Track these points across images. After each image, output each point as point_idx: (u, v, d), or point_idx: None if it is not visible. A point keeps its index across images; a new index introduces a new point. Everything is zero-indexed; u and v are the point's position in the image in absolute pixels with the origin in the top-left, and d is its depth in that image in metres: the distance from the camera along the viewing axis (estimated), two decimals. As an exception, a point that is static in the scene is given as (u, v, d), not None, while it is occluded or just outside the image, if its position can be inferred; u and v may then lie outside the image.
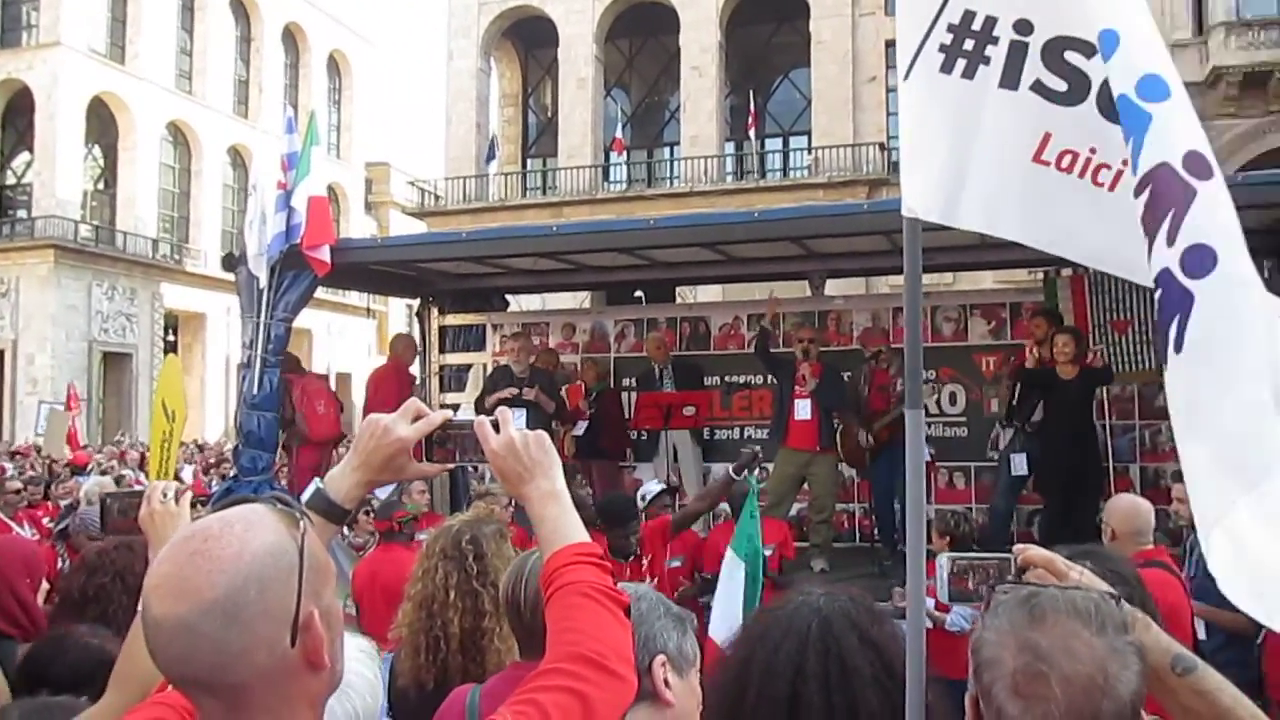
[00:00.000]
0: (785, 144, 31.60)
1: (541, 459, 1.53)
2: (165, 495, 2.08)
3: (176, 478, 8.54)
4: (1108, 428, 7.90)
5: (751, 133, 29.42)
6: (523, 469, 1.52)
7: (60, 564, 5.86)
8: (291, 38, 44.19)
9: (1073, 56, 1.71)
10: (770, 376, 8.67)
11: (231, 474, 8.99)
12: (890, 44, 27.45)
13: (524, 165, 33.96)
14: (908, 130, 1.94)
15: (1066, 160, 1.73)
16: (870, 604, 1.76)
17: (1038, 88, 1.75)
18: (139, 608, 2.20)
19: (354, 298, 34.18)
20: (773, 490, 8.12)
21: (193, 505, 6.15)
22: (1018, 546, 1.57)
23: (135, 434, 30.67)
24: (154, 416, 8.41)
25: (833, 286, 10.52)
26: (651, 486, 6.58)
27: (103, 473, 12.66)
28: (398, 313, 44.08)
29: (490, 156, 30.86)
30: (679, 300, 13.69)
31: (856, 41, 28.73)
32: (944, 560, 1.65)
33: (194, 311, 37.77)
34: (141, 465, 15.46)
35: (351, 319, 38.98)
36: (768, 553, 6.14)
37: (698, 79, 29.77)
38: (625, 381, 9.85)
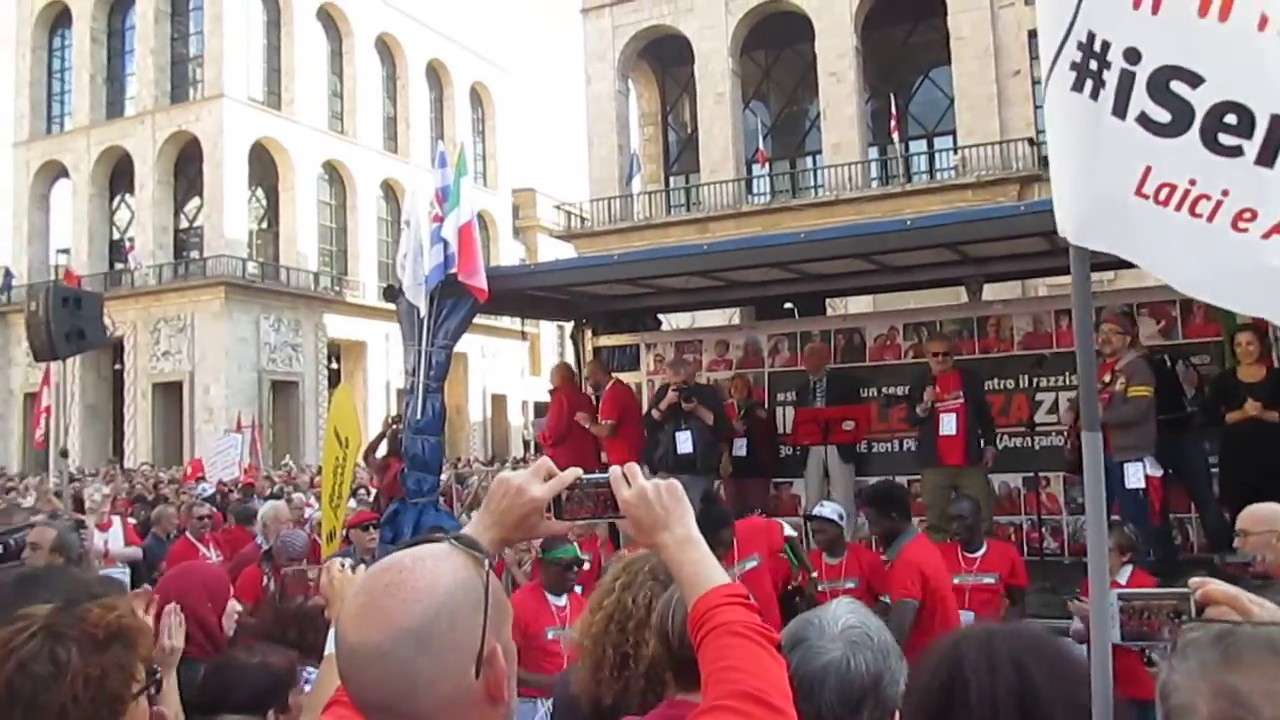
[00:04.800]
0: (930, 145, 30.94)
1: (674, 506, 1.55)
2: (343, 566, 2.34)
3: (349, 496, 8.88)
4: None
5: (895, 136, 28.90)
6: (656, 518, 1.54)
7: (265, 582, 6.16)
8: (435, 74, 45.80)
9: (1178, 86, 1.65)
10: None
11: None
12: (1033, 34, 26.37)
13: (667, 183, 34.21)
14: (1050, 146, 1.95)
15: (1164, 193, 1.70)
16: (1044, 630, 1.72)
17: (1142, 119, 1.70)
18: (329, 641, 2.32)
19: (506, 321, 35.05)
20: (932, 507, 7.92)
21: (365, 529, 6.36)
22: (1194, 581, 1.48)
23: (303, 458, 32.15)
24: (327, 443, 8.75)
25: (989, 291, 10.18)
26: (826, 509, 6.37)
27: (275, 496, 13.23)
28: (549, 334, 45.02)
29: (632, 175, 31.20)
30: (829, 312, 13.52)
31: (997, 34, 27.93)
32: (1114, 599, 1.55)
33: (355, 340, 39.41)
34: (311, 486, 16.17)
35: (504, 341, 39.96)
36: (989, 581, 5.95)
37: (836, 85, 29.44)
38: (779, 396, 9.75)
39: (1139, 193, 1.74)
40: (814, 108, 31.19)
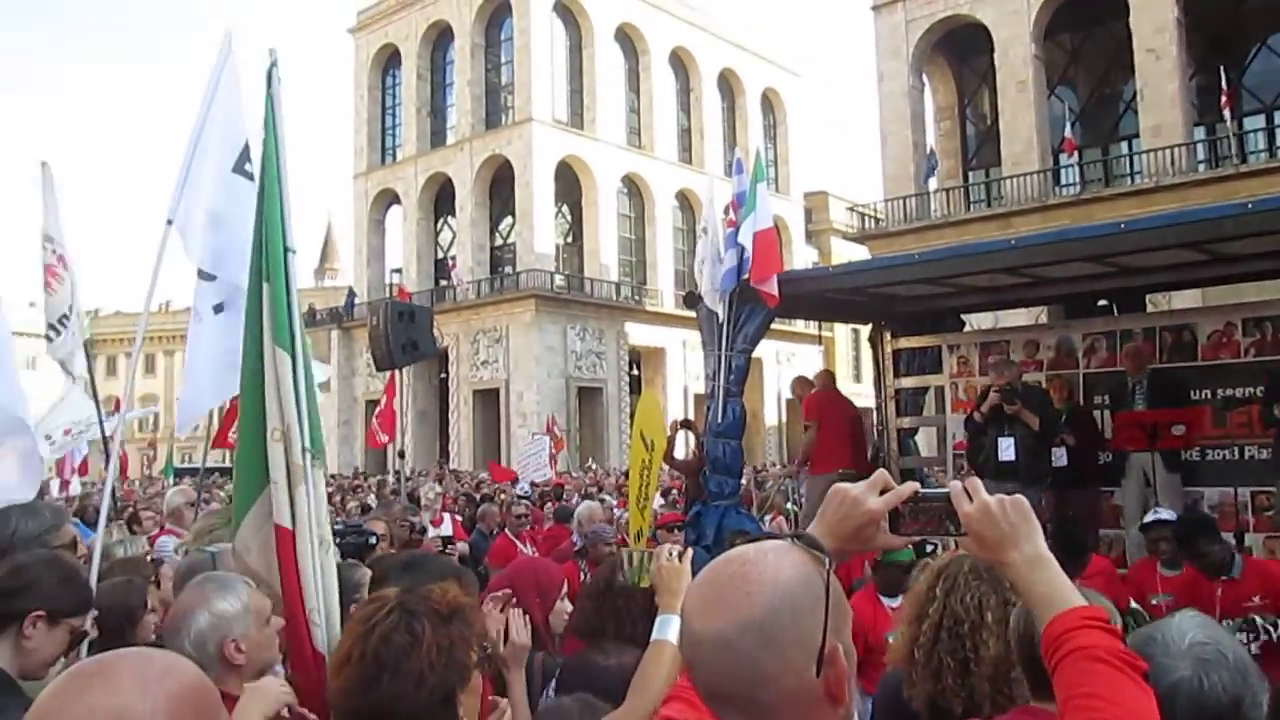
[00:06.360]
0: (1269, 120, 27.95)
1: (1020, 524, 1.48)
2: (670, 554, 2.57)
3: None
4: None
5: (1226, 113, 26.25)
6: (1002, 535, 1.48)
7: (581, 577, 6.54)
8: (727, 83, 46.54)
9: None
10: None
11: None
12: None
13: (965, 178, 32.91)
14: None
15: None
16: None
17: None
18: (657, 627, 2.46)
19: (800, 325, 35.04)
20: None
21: (670, 530, 6.55)
22: None
23: (607, 461, 33.55)
24: (634, 446, 9.08)
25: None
26: (1164, 513, 5.94)
27: (585, 496, 13.88)
28: (843, 337, 44.51)
29: (929, 173, 30.27)
30: (1150, 308, 12.49)
31: (1357, -14, 24.79)
32: None
33: (654, 347, 40.74)
34: (618, 490, 16.86)
35: (799, 346, 39.93)
36: None
37: (1154, 63, 27.20)
38: (1095, 399, 9.11)
39: None
40: (1129, 89, 28.96)
